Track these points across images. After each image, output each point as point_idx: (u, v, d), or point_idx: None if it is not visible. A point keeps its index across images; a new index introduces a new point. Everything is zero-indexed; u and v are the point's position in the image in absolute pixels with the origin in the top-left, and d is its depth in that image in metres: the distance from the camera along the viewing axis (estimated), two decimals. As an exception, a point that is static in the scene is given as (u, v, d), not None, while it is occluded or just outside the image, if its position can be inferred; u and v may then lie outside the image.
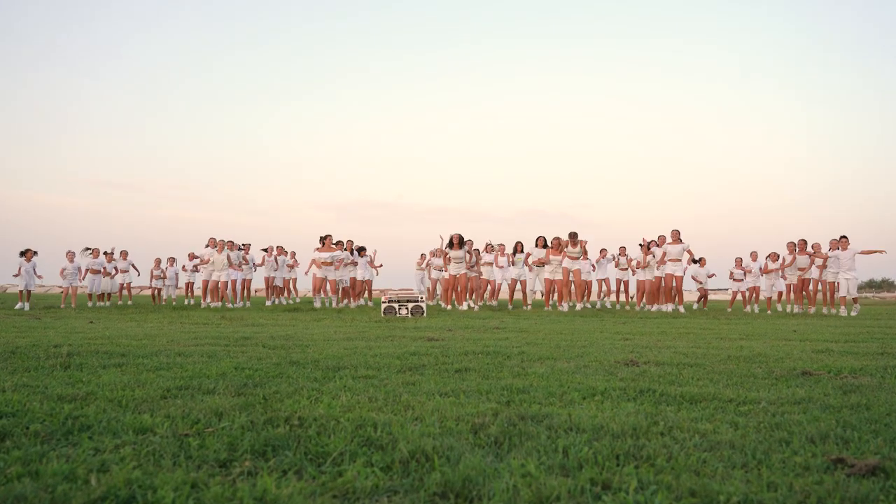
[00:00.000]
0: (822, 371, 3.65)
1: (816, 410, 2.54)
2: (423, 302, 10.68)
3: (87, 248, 15.38)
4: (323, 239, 14.29)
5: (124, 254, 16.40)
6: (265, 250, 16.22)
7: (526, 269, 14.55)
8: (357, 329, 7.23)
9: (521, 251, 14.66)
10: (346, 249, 14.84)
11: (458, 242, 13.28)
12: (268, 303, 15.85)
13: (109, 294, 15.77)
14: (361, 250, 15.52)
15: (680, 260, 13.46)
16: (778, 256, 14.50)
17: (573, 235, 13.38)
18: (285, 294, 16.83)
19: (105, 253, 15.72)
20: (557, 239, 13.40)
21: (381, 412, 2.44)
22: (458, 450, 1.90)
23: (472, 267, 13.74)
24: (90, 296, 15.40)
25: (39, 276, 14.00)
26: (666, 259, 13.39)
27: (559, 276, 13.40)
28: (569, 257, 13.25)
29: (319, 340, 5.55)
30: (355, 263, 15.25)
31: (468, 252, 13.48)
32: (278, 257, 16.35)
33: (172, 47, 52.32)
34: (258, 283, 16.61)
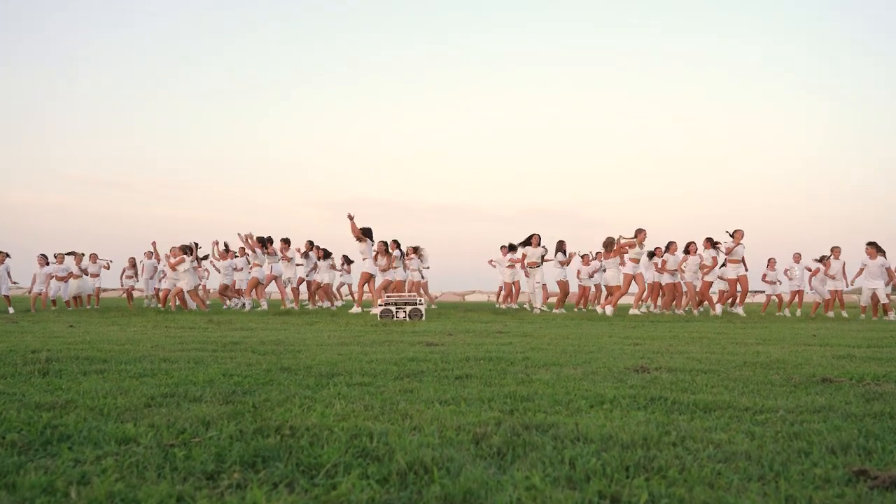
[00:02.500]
0: (844, 378, 3.65)
1: (837, 419, 2.54)
2: (421, 304, 10.73)
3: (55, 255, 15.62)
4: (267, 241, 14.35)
5: (94, 257, 16.52)
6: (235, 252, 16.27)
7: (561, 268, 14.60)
8: (352, 333, 7.23)
9: (564, 251, 14.61)
10: (304, 252, 14.98)
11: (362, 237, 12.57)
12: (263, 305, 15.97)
13: (88, 297, 15.91)
14: (318, 251, 15.66)
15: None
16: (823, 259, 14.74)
17: (641, 232, 13.02)
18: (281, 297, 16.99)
19: (72, 253, 15.80)
20: (611, 238, 13.31)
21: (378, 421, 2.44)
22: (458, 461, 1.90)
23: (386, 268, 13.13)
24: (54, 301, 15.48)
25: (14, 282, 14.16)
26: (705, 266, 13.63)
27: (615, 283, 13.16)
28: (631, 260, 13.04)
29: (312, 345, 5.56)
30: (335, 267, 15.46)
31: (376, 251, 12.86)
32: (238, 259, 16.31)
33: (169, 44, 52.39)
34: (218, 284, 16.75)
